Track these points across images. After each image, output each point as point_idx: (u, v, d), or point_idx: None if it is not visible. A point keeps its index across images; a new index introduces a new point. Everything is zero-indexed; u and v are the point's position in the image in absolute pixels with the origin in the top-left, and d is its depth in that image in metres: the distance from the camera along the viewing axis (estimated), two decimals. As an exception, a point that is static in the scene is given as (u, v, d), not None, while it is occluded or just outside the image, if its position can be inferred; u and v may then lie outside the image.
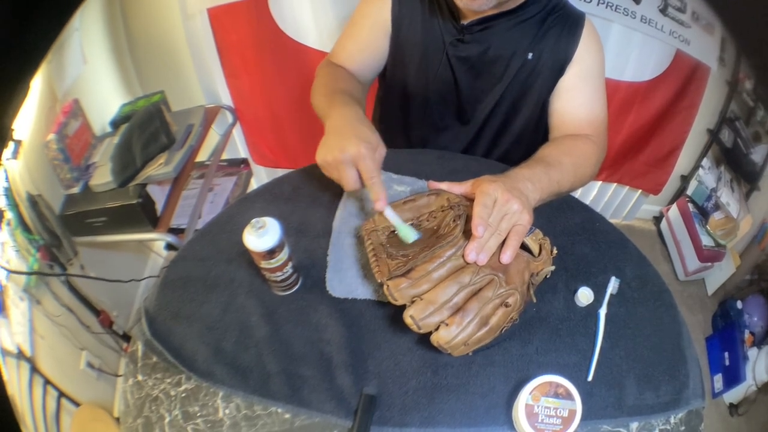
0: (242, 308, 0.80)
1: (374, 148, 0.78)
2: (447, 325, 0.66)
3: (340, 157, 0.77)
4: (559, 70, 0.98)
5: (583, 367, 0.76)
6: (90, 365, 1.12)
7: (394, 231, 0.79)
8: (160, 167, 1.38)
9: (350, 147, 0.76)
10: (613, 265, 0.88)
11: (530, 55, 0.98)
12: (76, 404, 1.05)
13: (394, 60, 1.08)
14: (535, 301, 0.76)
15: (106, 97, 1.43)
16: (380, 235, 0.79)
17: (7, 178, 1.09)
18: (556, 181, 0.84)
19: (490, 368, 0.75)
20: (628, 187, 1.78)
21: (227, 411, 0.72)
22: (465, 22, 0.98)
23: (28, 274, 1.08)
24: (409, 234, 0.76)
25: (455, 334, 0.66)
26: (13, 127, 1.09)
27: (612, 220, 0.97)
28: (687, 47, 1.46)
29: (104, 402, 1.08)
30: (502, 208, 0.72)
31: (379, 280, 0.70)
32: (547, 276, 0.79)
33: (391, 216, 0.77)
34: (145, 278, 1.38)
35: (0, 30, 0.91)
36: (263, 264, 0.74)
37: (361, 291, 0.81)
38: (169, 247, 1.38)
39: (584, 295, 0.81)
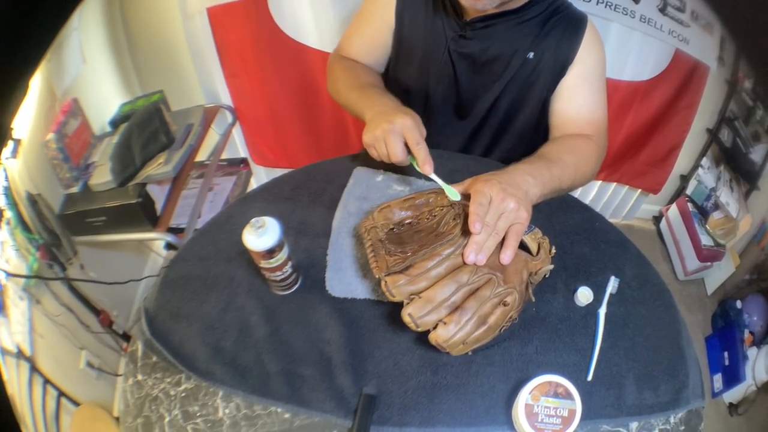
0: (242, 308, 0.80)
1: (418, 123, 0.85)
2: (445, 323, 0.66)
3: (389, 127, 0.82)
4: (560, 71, 0.99)
5: (583, 366, 0.76)
6: (90, 365, 1.12)
7: (392, 228, 0.79)
8: (160, 167, 1.38)
9: (397, 119, 0.83)
10: (613, 264, 0.88)
11: (531, 55, 0.98)
12: (76, 404, 1.05)
13: (397, 55, 1.09)
14: (533, 300, 0.76)
15: (105, 97, 1.43)
16: (379, 232, 0.79)
17: (6, 177, 1.08)
18: (557, 177, 0.84)
19: (490, 368, 0.75)
20: (627, 186, 1.78)
21: (227, 410, 0.72)
22: (468, 19, 0.98)
23: (25, 277, 1.08)
24: (453, 192, 0.80)
25: (453, 333, 0.66)
26: (12, 126, 1.08)
27: (611, 220, 0.97)
28: (686, 46, 1.46)
29: (104, 402, 1.08)
30: (498, 207, 0.72)
31: (377, 276, 0.70)
32: (546, 275, 0.79)
33: (438, 179, 0.82)
34: (143, 278, 1.38)
35: (-1, 29, 0.91)
36: (263, 263, 0.74)
37: (361, 290, 0.82)
38: (169, 246, 1.38)
39: (584, 295, 0.82)
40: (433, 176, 0.82)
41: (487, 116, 1.08)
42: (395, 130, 0.82)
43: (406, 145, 0.83)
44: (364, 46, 1.10)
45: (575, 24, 0.98)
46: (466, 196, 0.79)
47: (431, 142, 1.15)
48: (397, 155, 0.83)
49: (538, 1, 0.97)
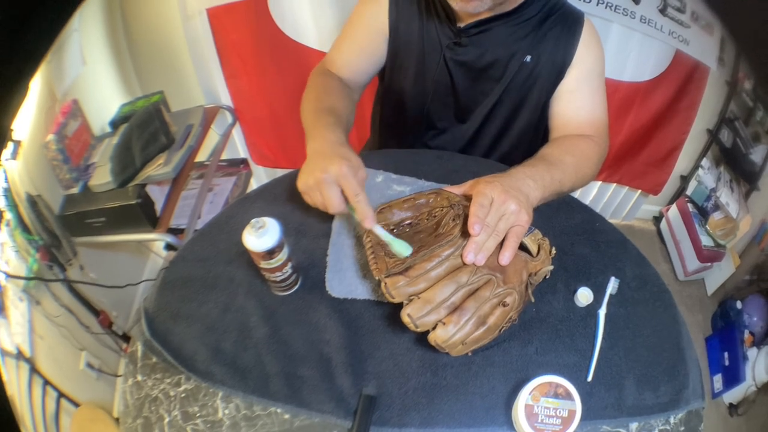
0: (242, 308, 0.80)
1: (356, 169, 0.77)
2: (444, 324, 0.66)
3: (323, 176, 0.76)
4: (558, 73, 0.98)
5: (583, 367, 0.76)
6: (89, 365, 1.12)
7: (393, 229, 0.79)
8: (160, 167, 1.38)
9: (332, 167, 0.76)
10: (613, 265, 0.88)
11: (528, 58, 0.97)
12: (76, 405, 1.05)
13: (393, 63, 1.07)
14: (533, 301, 0.76)
15: (105, 98, 1.43)
16: (379, 234, 0.79)
17: (6, 178, 1.09)
18: (557, 179, 0.84)
19: (490, 368, 0.75)
20: (627, 187, 1.78)
21: (227, 411, 0.72)
22: (462, 25, 0.97)
23: (25, 279, 1.08)
24: (402, 248, 0.72)
25: (452, 333, 0.66)
26: (12, 127, 1.09)
27: (612, 220, 0.97)
28: (686, 47, 1.46)
29: (104, 402, 1.08)
30: (500, 209, 0.72)
31: (377, 277, 0.70)
32: (546, 276, 0.79)
33: (382, 233, 0.74)
34: (142, 281, 1.38)
35: (-1, 30, 0.91)
36: (263, 264, 0.74)
37: (361, 291, 0.82)
38: (169, 247, 1.38)
39: (584, 296, 0.81)
40: (377, 230, 0.75)
41: (486, 121, 1.08)
42: (329, 180, 0.76)
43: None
44: (355, 57, 1.06)
45: (572, 24, 0.97)
46: (468, 197, 0.79)
47: (431, 146, 1.15)
48: (334, 207, 0.77)
49: (533, 1, 0.95)
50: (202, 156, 1.58)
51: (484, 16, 0.94)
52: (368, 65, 1.08)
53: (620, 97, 1.56)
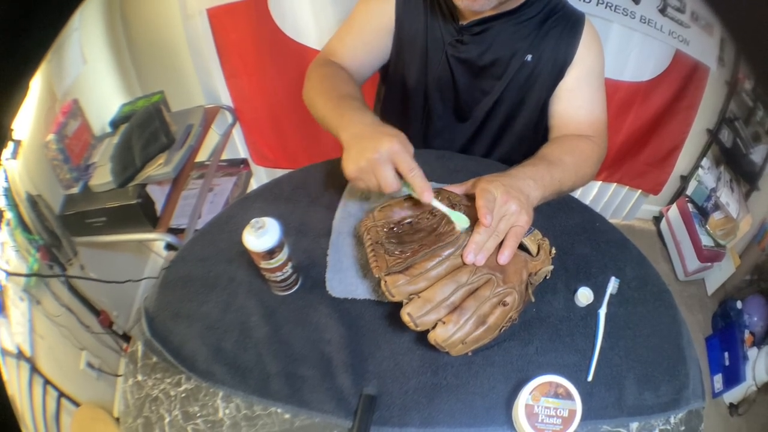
0: (242, 308, 0.80)
1: (405, 143, 0.75)
2: (444, 323, 0.66)
3: (375, 156, 0.73)
4: (558, 73, 0.98)
5: (583, 367, 0.76)
6: (90, 365, 1.12)
7: (393, 227, 0.79)
8: (160, 167, 1.38)
9: (383, 145, 0.73)
10: (613, 265, 0.88)
11: (529, 57, 0.98)
12: (76, 404, 1.05)
13: (397, 59, 1.07)
14: (533, 300, 0.76)
15: (105, 97, 1.43)
16: (379, 231, 0.78)
17: (6, 178, 1.09)
18: (557, 179, 0.84)
19: (490, 368, 0.75)
20: (627, 187, 1.78)
21: (227, 411, 0.72)
22: (464, 22, 0.98)
23: (25, 276, 1.08)
24: (461, 220, 0.73)
25: (452, 333, 0.66)
26: (12, 127, 1.08)
27: (612, 220, 0.97)
28: (686, 47, 1.46)
29: (104, 402, 1.08)
30: (501, 209, 0.72)
31: (377, 275, 0.70)
32: (547, 276, 0.79)
33: (440, 206, 0.74)
34: (142, 279, 1.38)
35: (-1, 30, 0.91)
36: (263, 264, 0.74)
37: (361, 291, 0.82)
38: (169, 247, 1.38)
39: (584, 295, 0.81)
40: (436, 204, 0.74)
41: (486, 119, 1.08)
42: (382, 159, 0.73)
43: (397, 171, 0.74)
44: (360, 49, 1.04)
45: (573, 24, 0.97)
46: (469, 196, 0.80)
47: (431, 144, 1.15)
48: (391, 186, 0.73)
49: (535, 1, 0.96)
50: (202, 156, 1.58)
51: (487, 14, 0.94)
52: (372, 59, 1.06)
53: (620, 97, 1.56)
